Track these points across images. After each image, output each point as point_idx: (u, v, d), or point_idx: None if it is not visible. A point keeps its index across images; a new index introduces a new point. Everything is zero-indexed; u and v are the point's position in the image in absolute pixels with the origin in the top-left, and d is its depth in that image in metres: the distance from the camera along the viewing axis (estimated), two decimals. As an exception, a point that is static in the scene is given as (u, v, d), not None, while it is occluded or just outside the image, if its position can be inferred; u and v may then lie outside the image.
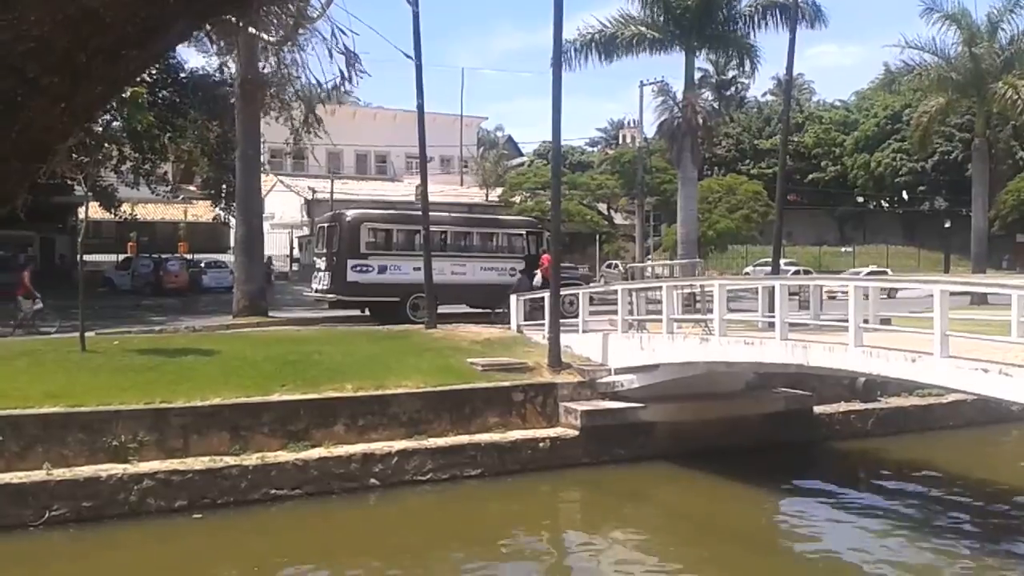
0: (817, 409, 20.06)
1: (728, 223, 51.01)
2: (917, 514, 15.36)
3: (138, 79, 2.01)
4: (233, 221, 34.51)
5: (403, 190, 55.97)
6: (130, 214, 42.84)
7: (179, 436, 14.80)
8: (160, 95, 36.80)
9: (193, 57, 37.88)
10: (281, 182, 57.64)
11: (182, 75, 37.80)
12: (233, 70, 31.21)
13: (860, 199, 73.96)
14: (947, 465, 18.31)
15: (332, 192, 50.76)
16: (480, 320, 24.83)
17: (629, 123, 78.05)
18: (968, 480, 17.44)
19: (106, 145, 31.05)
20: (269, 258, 45.59)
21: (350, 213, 28.69)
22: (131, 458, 14.20)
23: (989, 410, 18.85)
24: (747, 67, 36.70)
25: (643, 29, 33.13)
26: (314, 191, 52.84)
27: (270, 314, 27.50)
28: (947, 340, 11.94)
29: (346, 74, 3.01)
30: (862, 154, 72.58)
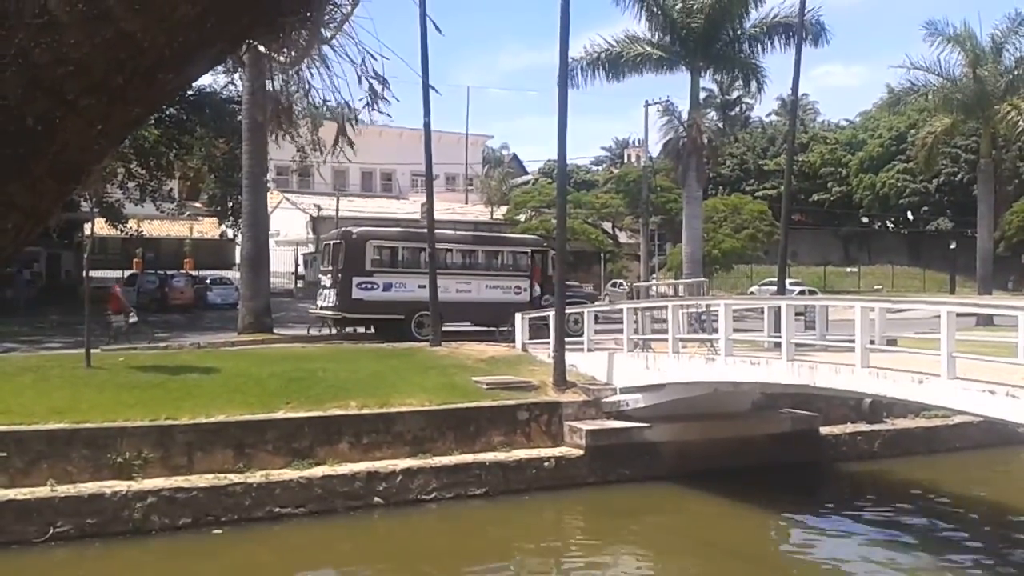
0: (823, 430, 19.99)
1: (733, 243, 51.00)
2: (923, 536, 15.26)
3: None
4: (239, 238, 34.60)
5: (408, 208, 56.08)
6: (136, 230, 42.94)
7: (183, 453, 14.79)
8: (167, 112, 36.95)
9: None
10: (287, 199, 57.77)
11: (189, 92, 37.95)
12: (240, 88, 31.38)
13: (865, 219, 73.95)
14: (954, 487, 18.21)
15: (337, 209, 50.86)
16: (485, 338, 24.81)
17: (634, 142, 78.37)
18: (975, 502, 17.35)
19: (112, 162, 31.17)
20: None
21: (356, 230, 28.74)
22: (135, 475, 14.19)
23: (996, 432, 18.76)
24: (752, 87, 36.80)
25: (649, 49, 33.23)
26: (319, 208, 52.96)
27: (275, 331, 27.53)
28: (954, 361, 11.91)
29: (376, 97, 3.04)
30: (867, 174, 72.59)
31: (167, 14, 1.77)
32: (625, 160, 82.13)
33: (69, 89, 1.75)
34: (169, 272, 45.02)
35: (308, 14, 2.23)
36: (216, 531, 14.00)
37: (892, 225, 74.76)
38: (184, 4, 1.77)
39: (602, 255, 53.58)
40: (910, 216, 70.82)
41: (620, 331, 19.96)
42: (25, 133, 1.76)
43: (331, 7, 2.43)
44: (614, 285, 51.73)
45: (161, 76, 1.86)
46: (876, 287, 61.45)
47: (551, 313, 20.62)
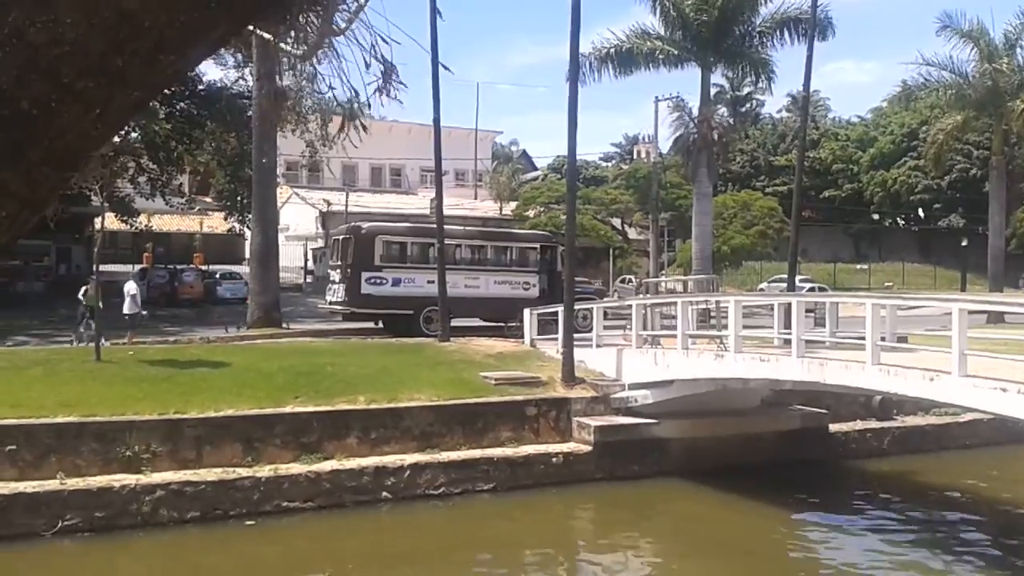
0: (833, 427, 19.91)
1: (743, 239, 50.81)
2: (932, 535, 15.20)
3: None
4: (248, 232, 34.68)
5: (417, 203, 56.07)
6: (146, 225, 43.06)
7: (192, 447, 14.81)
8: (178, 107, 37.04)
9: (211, 69, 38.02)
10: (296, 194, 57.81)
11: (200, 87, 38.03)
12: (251, 83, 31.43)
13: (876, 216, 73.62)
14: (964, 485, 18.12)
15: (347, 205, 50.89)
16: (493, 334, 24.78)
17: (644, 138, 78.08)
18: (985, 500, 17.26)
19: (123, 156, 31.24)
20: None
21: (365, 226, 28.74)
22: (144, 468, 14.21)
23: (1006, 429, 18.64)
24: (763, 82, 36.68)
25: (659, 44, 33.14)
26: (329, 203, 52.97)
27: (284, 325, 27.60)
28: (965, 359, 11.82)
29: (387, 83, 2.99)
30: (878, 171, 72.31)
31: None
32: (635, 156, 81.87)
33: (66, 71, 1.68)
34: (179, 267, 45.12)
35: None
36: (221, 525, 14.01)
37: (903, 222, 74.41)
38: None
39: (611, 251, 53.45)
40: (921, 213, 70.48)
41: (629, 327, 19.91)
42: (20, 117, 1.69)
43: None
44: (623, 281, 51.60)
45: (162, 58, 1.80)
46: (887, 284, 61.17)
47: (560, 309, 20.59)
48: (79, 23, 1.66)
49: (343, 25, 2.75)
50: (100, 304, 23.95)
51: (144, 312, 24.06)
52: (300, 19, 2.24)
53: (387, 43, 2.61)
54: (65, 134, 1.74)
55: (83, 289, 23.09)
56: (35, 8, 1.63)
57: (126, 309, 23.43)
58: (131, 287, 24.09)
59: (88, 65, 1.70)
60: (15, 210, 1.79)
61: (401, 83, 2.91)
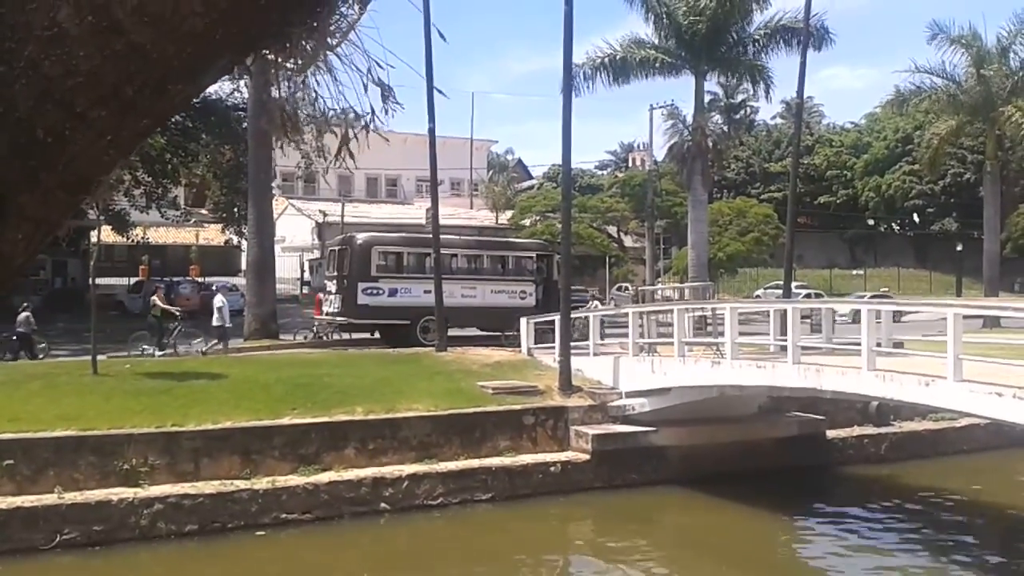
0: (830, 433, 19.94)
1: (739, 246, 50.96)
2: (929, 540, 15.22)
3: None
4: (245, 244, 34.72)
5: (414, 213, 56.14)
6: (142, 238, 43.04)
7: (190, 460, 14.81)
8: (173, 120, 37.05)
9: (206, 82, 37.96)
10: (292, 205, 57.88)
11: (195, 100, 38.08)
12: (245, 95, 31.50)
13: (871, 222, 73.81)
14: (961, 490, 18.16)
15: (343, 215, 50.95)
16: (491, 343, 24.80)
17: (639, 146, 78.43)
18: (982, 505, 17.30)
19: (118, 170, 31.31)
20: None
21: (361, 236, 28.77)
22: (142, 482, 14.20)
23: (1003, 434, 18.66)
24: (757, 90, 36.85)
25: (653, 52, 33.30)
26: (325, 214, 53.02)
27: (281, 337, 27.62)
28: (960, 364, 11.88)
29: (381, 107, 3.06)
30: (872, 176, 72.55)
31: (176, 25, 1.78)
32: (630, 164, 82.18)
33: (79, 101, 1.75)
34: (175, 279, 45.08)
35: (315, 24, 2.25)
36: (220, 538, 13.99)
37: (898, 227, 74.62)
38: (193, 16, 1.78)
39: (607, 259, 53.56)
40: (916, 218, 70.68)
41: (626, 335, 19.94)
42: (36, 145, 1.77)
43: (337, 16, 2.43)
44: (619, 289, 51.70)
45: (171, 87, 1.87)
46: (883, 289, 61.30)
47: (556, 317, 20.61)
48: (92, 56, 1.72)
49: (335, 43, 2.81)
50: (177, 311, 24.69)
51: (229, 325, 24.84)
52: (299, 44, 2.31)
53: (381, 67, 2.67)
54: (78, 160, 1.80)
55: (151, 301, 24.48)
56: (50, 42, 1.70)
57: (215, 322, 24.63)
58: (219, 300, 25.29)
59: (100, 95, 1.76)
60: (31, 231, 1.86)
61: (398, 103, 2.97)
